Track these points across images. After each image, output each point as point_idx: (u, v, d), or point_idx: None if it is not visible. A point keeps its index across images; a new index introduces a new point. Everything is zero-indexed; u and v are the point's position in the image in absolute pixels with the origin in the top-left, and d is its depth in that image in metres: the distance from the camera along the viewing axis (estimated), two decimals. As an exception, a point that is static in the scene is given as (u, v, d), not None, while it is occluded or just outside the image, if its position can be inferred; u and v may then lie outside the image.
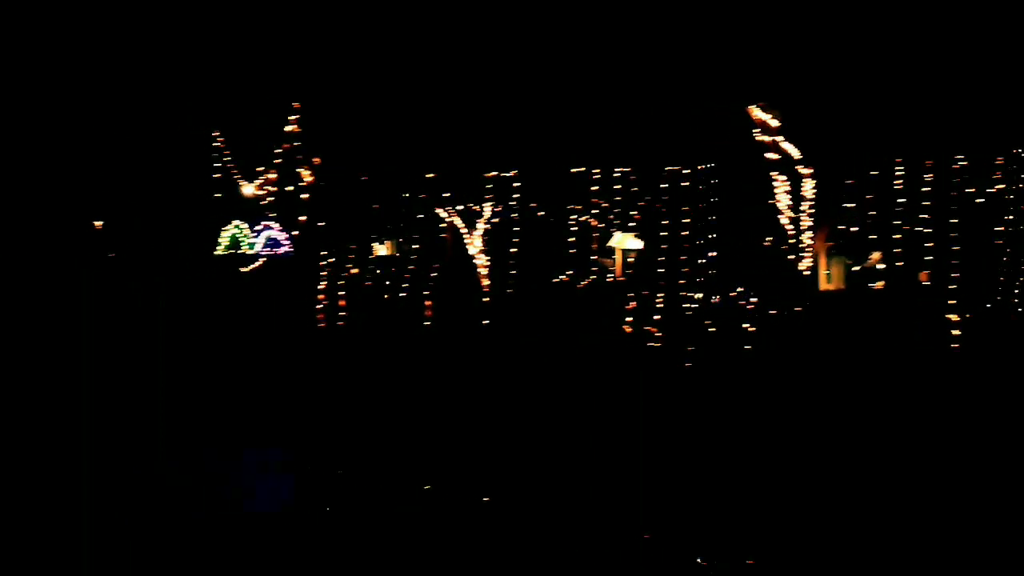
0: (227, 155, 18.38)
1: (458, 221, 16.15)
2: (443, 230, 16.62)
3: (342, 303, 16.21)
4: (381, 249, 17.23)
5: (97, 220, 18.08)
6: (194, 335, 14.71)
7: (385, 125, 16.91)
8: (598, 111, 16.07)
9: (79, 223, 17.95)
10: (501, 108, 16.20)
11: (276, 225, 17.92)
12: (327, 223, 17.60)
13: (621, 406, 10.22)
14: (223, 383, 11.70)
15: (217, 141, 18.30)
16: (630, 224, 16.03)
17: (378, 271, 16.79)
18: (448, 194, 16.43)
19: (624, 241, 15.70)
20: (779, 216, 14.87)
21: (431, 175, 16.57)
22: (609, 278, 15.93)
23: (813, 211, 14.66)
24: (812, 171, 14.68)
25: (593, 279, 16.12)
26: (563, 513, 6.76)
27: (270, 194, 18.20)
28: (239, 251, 17.84)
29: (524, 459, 8.36)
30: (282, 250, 17.73)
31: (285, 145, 18.01)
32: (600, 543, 6.14)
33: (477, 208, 16.30)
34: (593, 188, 16.30)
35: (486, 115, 16.25)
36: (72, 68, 17.18)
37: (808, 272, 14.67)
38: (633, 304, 15.18)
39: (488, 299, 15.70)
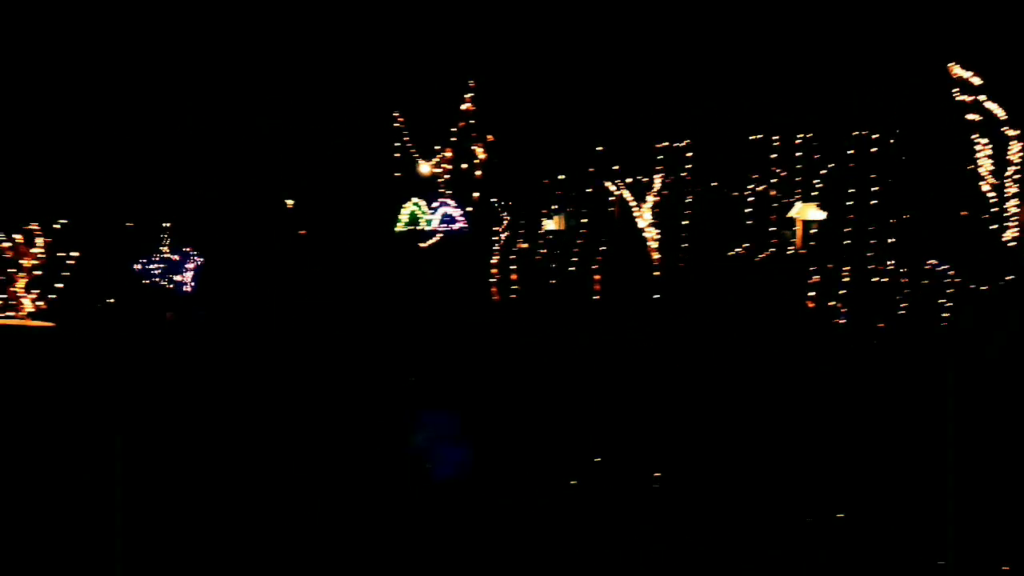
0: (406, 134, 19.09)
1: (627, 194, 15.95)
2: (612, 203, 16.49)
3: (514, 277, 16.48)
4: (551, 224, 17.35)
5: (288, 200, 19.34)
6: (379, 307, 15.49)
7: (554, 100, 16.94)
8: (775, 72, 15.29)
9: (275, 204, 19.27)
10: (670, 74, 15.77)
11: (452, 202, 18.46)
12: (499, 199, 17.92)
13: (805, 387, 9.78)
14: (404, 354, 12.20)
15: (397, 121, 19.05)
16: (812, 193, 15.23)
17: (548, 246, 16.92)
18: (617, 167, 16.24)
19: (806, 211, 14.92)
20: (980, 183, 13.59)
21: (600, 147, 16.45)
22: (790, 251, 15.24)
23: (1020, 177, 13.28)
24: (1019, 133, 13.29)
25: (772, 252, 15.47)
26: (736, 496, 6.55)
27: (446, 172, 18.77)
28: (417, 227, 18.53)
29: (698, 437, 8.16)
30: (457, 226, 18.25)
31: (460, 123, 18.47)
32: (776, 525, 5.90)
33: (646, 180, 16.02)
34: (772, 156, 15.59)
35: (655, 83, 15.88)
36: (267, 53, 18.36)
37: (1013, 244, 13.33)
38: (816, 279, 14.42)
39: (659, 274, 15.44)
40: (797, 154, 15.49)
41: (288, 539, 5.52)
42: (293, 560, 5.23)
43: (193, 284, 15.68)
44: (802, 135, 15.42)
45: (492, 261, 16.69)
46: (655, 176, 15.93)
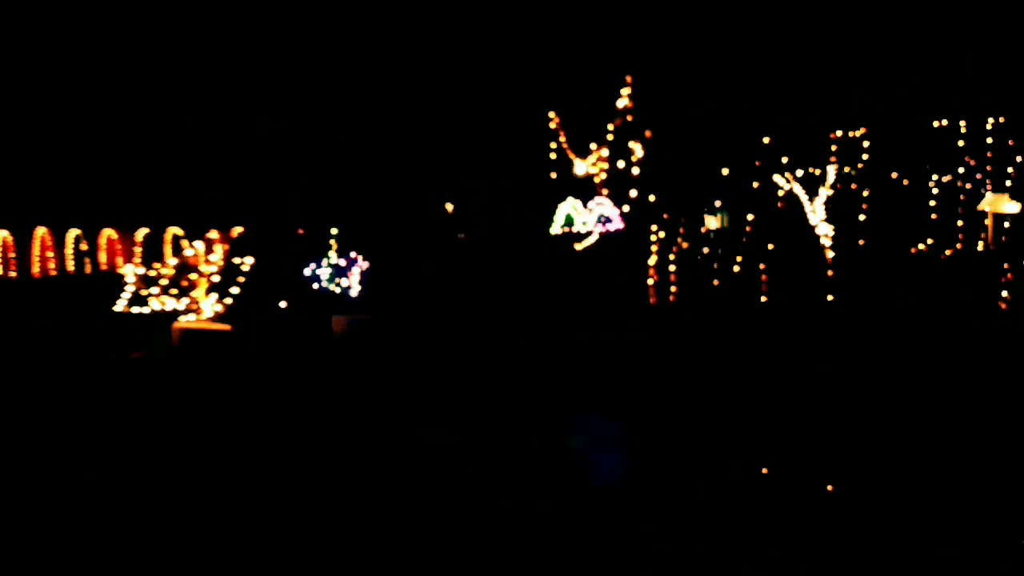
0: (562, 134, 18.98)
1: (797, 188, 15.06)
2: (781, 198, 15.65)
3: (673, 278, 15.97)
4: (713, 222, 16.70)
5: (448, 204, 19.71)
6: (536, 309, 15.46)
7: (716, 90, 16.30)
8: (957, 49, 14.01)
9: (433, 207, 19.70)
10: (841, 57, 14.77)
11: (608, 201, 18.17)
12: (658, 197, 17.46)
13: (1001, 397, 8.85)
14: (560, 356, 12.08)
15: (552, 121, 18.97)
16: (1006, 184, 13.85)
17: (711, 245, 16.31)
18: (786, 159, 15.39)
19: (998, 204, 13.56)
20: None
21: (767, 139, 15.65)
22: (979, 247, 13.93)
23: None
24: None
25: (959, 249, 14.19)
26: (912, 511, 5.94)
27: (602, 171, 18.49)
28: (573, 228, 18.37)
29: (874, 450, 7.50)
30: (614, 226, 17.93)
31: (617, 121, 18.15)
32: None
33: (819, 172, 15.08)
34: (959, 143, 14.30)
35: (825, 66, 14.93)
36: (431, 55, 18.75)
37: None
38: (1009, 277, 13.07)
39: (832, 274, 14.48)
40: (987, 140, 14.16)
41: (439, 538, 5.46)
42: (443, 557, 5.18)
43: (359, 288, 16.19)
44: (993, 119, 14.06)
45: (650, 262, 16.24)
46: (828, 168, 14.97)
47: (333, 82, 19.01)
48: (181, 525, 5.73)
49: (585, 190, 18.46)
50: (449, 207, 19.93)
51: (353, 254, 16.24)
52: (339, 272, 16.20)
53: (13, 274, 17.81)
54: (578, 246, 17.99)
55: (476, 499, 6.25)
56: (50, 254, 18.40)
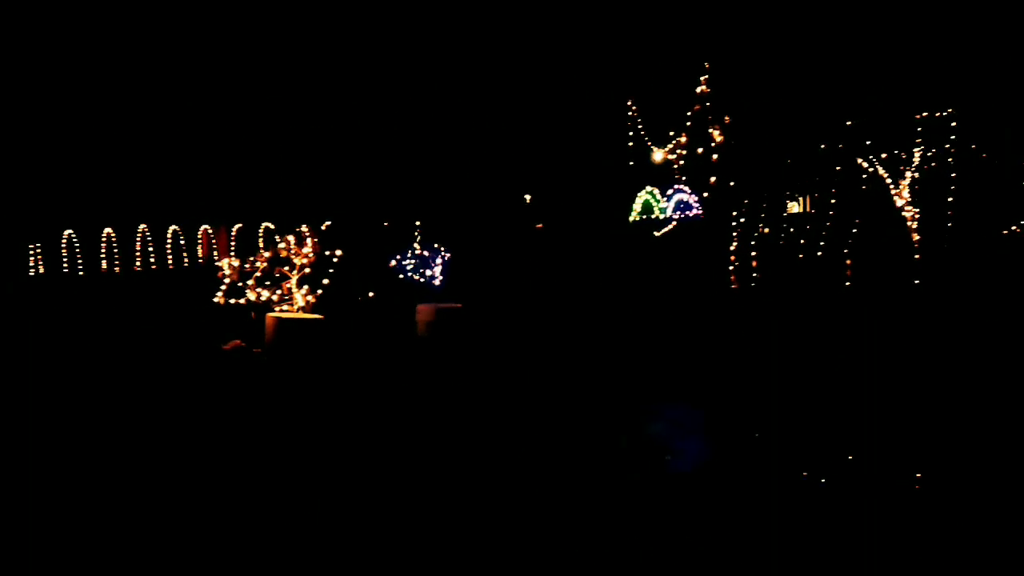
0: (639, 122, 18.93)
1: (882, 171, 14.71)
2: (864, 182, 15.30)
3: (754, 264, 15.81)
4: (795, 207, 16.44)
5: (527, 195, 19.88)
6: (616, 298, 15.51)
7: (796, 72, 16.00)
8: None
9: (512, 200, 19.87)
10: (928, 35, 14.32)
11: (687, 188, 18.07)
12: (738, 183, 17.27)
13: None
14: (641, 344, 12.13)
15: (630, 110, 18.94)
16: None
17: (792, 230, 16.04)
18: (869, 141, 15.02)
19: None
20: None
21: (849, 121, 15.31)
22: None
23: None
24: None
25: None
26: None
27: (680, 158, 18.38)
28: (652, 216, 18.33)
29: (962, 441, 7.38)
30: (693, 213, 17.83)
31: (695, 107, 18.00)
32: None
33: (904, 154, 14.68)
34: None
35: (910, 46, 14.49)
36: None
37: None
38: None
39: (919, 258, 14.12)
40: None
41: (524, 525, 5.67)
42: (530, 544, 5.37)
43: (442, 278, 16.54)
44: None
45: (731, 248, 16.11)
46: (914, 150, 14.57)
47: (419, 77, 19.36)
48: (278, 506, 6.08)
49: (663, 178, 18.38)
50: (528, 197, 20.09)
51: (436, 245, 16.62)
52: (423, 263, 16.61)
53: (117, 269, 18.82)
54: (657, 234, 17.96)
55: (563, 485, 6.43)
56: (151, 248, 19.35)
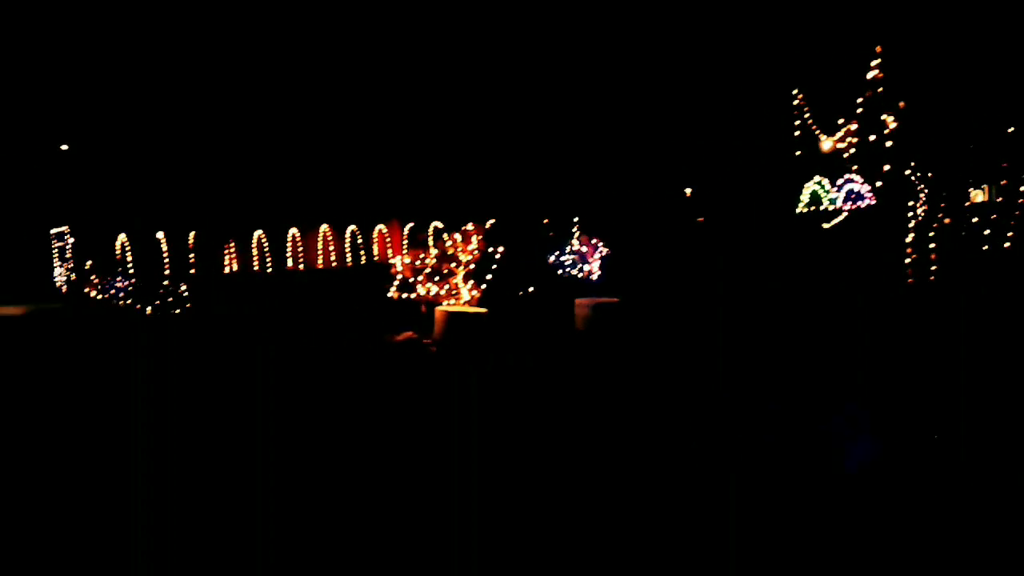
0: (807, 110, 18.28)
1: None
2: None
3: (933, 256, 14.93)
4: (979, 195, 15.38)
5: (687, 188, 19.70)
6: (779, 292, 15.12)
7: (979, 50, 14.93)
8: None
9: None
10: None
11: (858, 178, 17.31)
12: (915, 171, 16.33)
13: None
14: (810, 339, 11.81)
15: (796, 98, 18.33)
16: None
17: (975, 220, 15.02)
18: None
19: None
20: None
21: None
22: None
23: None
24: None
25: None
26: None
27: (851, 146, 17.60)
28: (820, 206, 17.70)
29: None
30: (865, 203, 17.07)
31: (867, 93, 17.18)
32: None
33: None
34: None
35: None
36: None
37: None
38: None
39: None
40: None
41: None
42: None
43: (600, 273, 16.73)
44: None
45: (907, 240, 15.29)
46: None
47: (578, 75, 19.62)
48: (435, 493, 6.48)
49: (832, 167, 17.69)
50: (688, 191, 19.89)
51: (595, 240, 16.79)
52: (581, 258, 16.85)
53: (301, 266, 20.30)
54: (826, 225, 17.32)
55: (730, 483, 6.47)
56: (331, 248, 20.73)
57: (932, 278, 14.90)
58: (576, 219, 17.35)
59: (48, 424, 8.32)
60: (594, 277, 16.84)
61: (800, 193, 17.95)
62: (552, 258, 17.26)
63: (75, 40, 17.65)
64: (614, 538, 5.48)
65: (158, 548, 5.36)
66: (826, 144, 17.98)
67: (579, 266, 16.85)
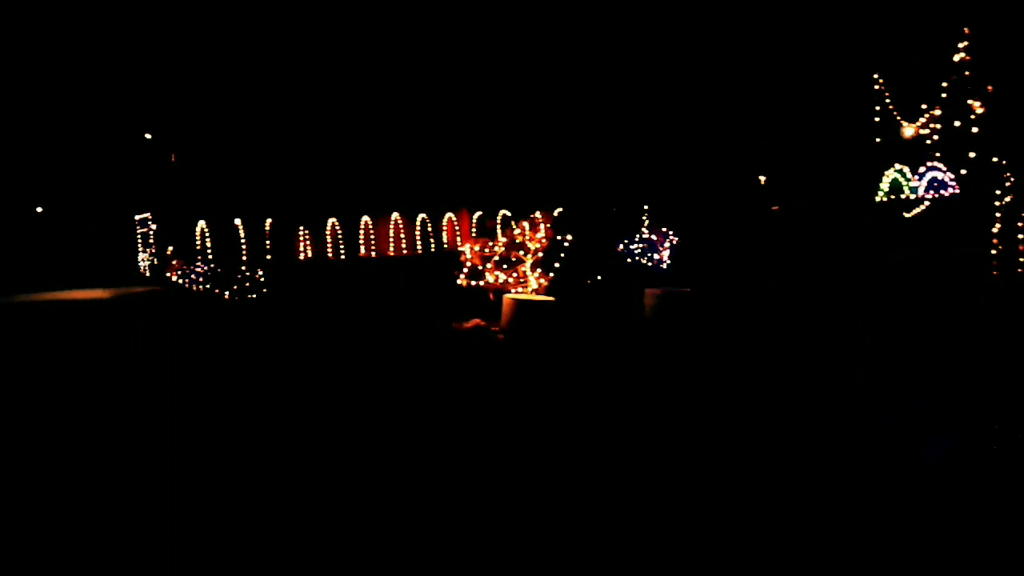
0: (887, 95, 17.72)
1: None
2: None
3: (1021, 248, 14.31)
4: (1072, 183, 14.65)
5: (761, 176, 19.27)
6: (856, 284, 14.72)
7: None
8: None
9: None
10: None
11: (941, 165, 16.70)
12: (1003, 158, 15.66)
13: None
14: (889, 334, 11.50)
15: (877, 83, 17.78)
16: None
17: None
18: None
19: None
20: None
21: None
22: None
23: None
24: None
25: None
26: None
27: (934, 132, 16.98)
28: (901, 195, 17.15)
29: None
30: (948, 192, 16.47)
31: (952, 76, 16.54)
32: None
33: None
34: None
35: None
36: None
37: None
38: None
39: None
40: None
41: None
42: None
43: (669, 262, 16.52)
44: None
45: (993, 231, 14.70)
46: None
47: (645, 62, 19.40)
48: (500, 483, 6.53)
49: (914, 154, 17.10)
50: (762, 179, 19.47)
51: (664, 229, 16.58)
52: (651, 247, 16.66)
53: (373, 253, 20.63)
54: (907, 215, 16.77)
55: (799, 481, 6.37)
56: (402, 235, 21.03)
57: (1021, 270, 14.30)
58: (646, 207, 17.18)
59: (134, 402, 8.67)
60: (664, 266, 16.63)
61: (880, 181, 17.39)
62: (621, 246, 17.10)
63: (159, 34, 18.26)
64: (685, 526, 5.46)
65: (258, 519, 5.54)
66: (908, 130, 17.40)
67: (648, 255, 16.65)
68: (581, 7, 19.24)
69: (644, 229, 17.07)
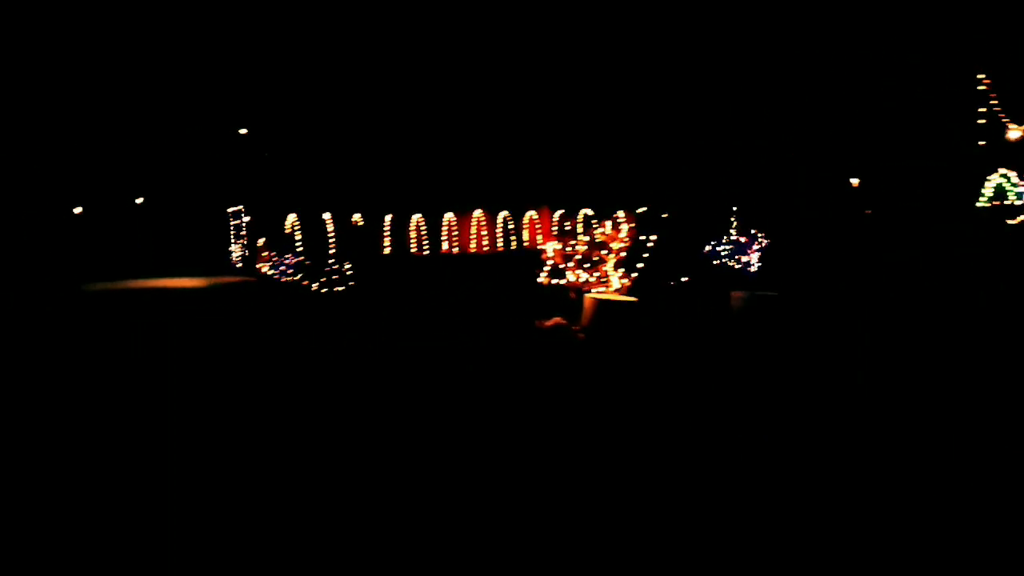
0: (993, 98, 16.95)
1: None
2: None
3: None
4: None
5: (854, 178, 18.65)
6: (958, 294, 14.14)
7: None
8: None
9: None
10: None
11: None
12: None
13: None
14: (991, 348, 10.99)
15: (982, 84, 17.03)
16: None
17: None
18: None
19: None
20: None
21: None
22: None
23: None
24: None
25: None
26: None
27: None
28: (1005, 201, 16.39)
29: None
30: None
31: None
32: None
33: None
34: None
35: None
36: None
37: None
38: None
39: None
40: None
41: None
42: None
43: (759, 265, 16.15)
44: None
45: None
46: None
47: (732, 59, 19.00)
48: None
49: (1020, 158, 16.32)
50: (855, 181, 18.87)
51: (753, 231, 16.23)
52: (739, 249, 16.33)
53: (456, 250, 20.80)
54: (1011, 222, 16.01)
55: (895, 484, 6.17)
56: (483, 232, 21.12)
57: None
58: (735, 208, 16.84)
59: (228, 386, 8.93)
60: (752, 269, 16.28)
61: (983, 186, 16.65)
62: (708, 248, 16.84)
63: (259, 34, 18.81)
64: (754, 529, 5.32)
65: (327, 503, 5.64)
66: (1014, 133, 16.61)
67: (736, 257, 16.34)
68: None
69: (732, 230, 16.74)
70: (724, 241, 16.68)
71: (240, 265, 18.59)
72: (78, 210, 16.02)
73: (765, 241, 16.35)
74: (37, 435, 7.26)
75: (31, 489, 5.95)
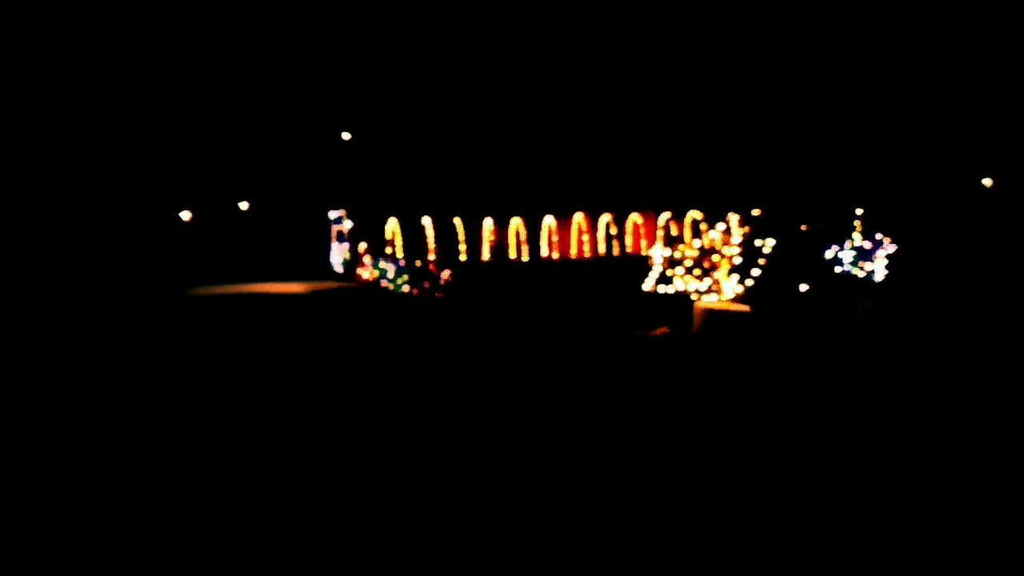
0: None
1: None
2: None
3: None
4: None
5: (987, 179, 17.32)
6: None
7: None
8: None
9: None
10: None
11: None
12: None
13: None
14: None
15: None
16: None
17: None
18: None
19: None
20: None
21: None
22: None
23: None
24: None
25: None
26: None
27: None
28: None
29: None
30: None
31: None
32: None
33: None
34: None
35: None
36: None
37: None
38: None
39: None
40: None
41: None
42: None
43: (885, 272, 15.21)
44: None
45: None
46: None
47: (854, 56, 18.03)
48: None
49: None
50: (987, 182, 17.56)
51: (879, 236, 15.29)
52: (863, 255, 15.38)
53: (555, 255, 20.42)
54: None
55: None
56: (585, 237, 20.66)
57: None
58: (859, 211, 15.86)
59: (328, 391, 8.79)
60: (877, 277, 15.29)
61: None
62: (829, 254, 15.94)
63: (358, 40, 18.98)
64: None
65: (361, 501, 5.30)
66: None
67: (860, 263, 15.38)
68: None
69: (856, 235, 15.78)
70: (847, 247, 15.75)
71: (341, 270, 18.72)
72: (186, 215, 16.36)
73: (893, 247, 15.35)
74: (142, 433, 7.31)
75: (137, 490, 5.87)
